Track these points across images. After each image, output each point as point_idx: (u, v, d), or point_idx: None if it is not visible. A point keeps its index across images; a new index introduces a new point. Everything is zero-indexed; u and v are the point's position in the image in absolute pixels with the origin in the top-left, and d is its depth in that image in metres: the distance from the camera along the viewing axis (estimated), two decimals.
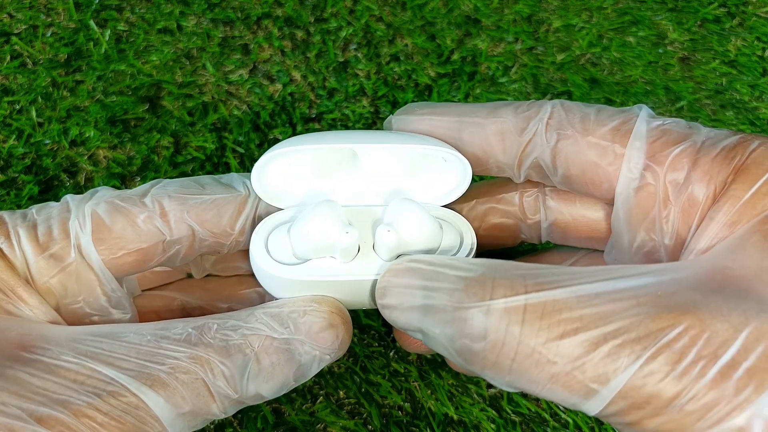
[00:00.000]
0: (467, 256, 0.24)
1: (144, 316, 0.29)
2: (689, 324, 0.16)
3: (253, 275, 0.26)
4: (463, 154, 0.25)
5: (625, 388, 0.16)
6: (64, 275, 0.23)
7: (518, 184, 0.28)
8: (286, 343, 0.22)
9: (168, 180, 0.26)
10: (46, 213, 0.24)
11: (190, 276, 0.33)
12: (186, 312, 0.31)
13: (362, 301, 0.25)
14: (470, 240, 0.25)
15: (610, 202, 0.23)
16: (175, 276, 0.33)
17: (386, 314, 0.23)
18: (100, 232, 0.23)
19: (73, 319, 0.23)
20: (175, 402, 0.19)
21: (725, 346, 0.16)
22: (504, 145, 0.24)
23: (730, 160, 0.20)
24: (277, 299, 0.24)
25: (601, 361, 0.17)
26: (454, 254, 0.24)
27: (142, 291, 0.31)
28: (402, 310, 0.21)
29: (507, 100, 0.55)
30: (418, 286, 0.21)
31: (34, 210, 0.25)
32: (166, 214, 0.24)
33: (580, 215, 0.26)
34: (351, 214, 0.25)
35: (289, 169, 0.26)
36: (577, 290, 0.17)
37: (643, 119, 0.22)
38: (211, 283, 0.32)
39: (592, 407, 0.17)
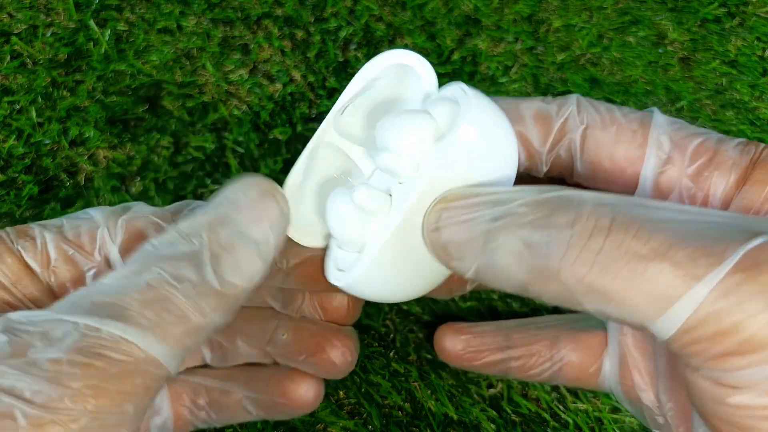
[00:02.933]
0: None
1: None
2: None
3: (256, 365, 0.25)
4: None
5: (724, 283, 0.15)
6: (87, 282, 0.23)
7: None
8: (234, 225, 0.20)
9: (200, 203, 0.26)
10: (75, 222, 0.24)
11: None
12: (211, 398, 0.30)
13: (407, 254, 0.23)
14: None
15: (628, 191, 0.23)
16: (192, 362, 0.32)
17: (438, 236, 0.21)
18: (131, 245, 0.23)
19: None
20: (155, 332, 0.18)
21: None
22: (540, 127, 0.24)
23: (748, 153, 0.21)
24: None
25: (696, 253, 0.15)
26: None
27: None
28: (463, 223, 0.19)
29: None
30: (486, 202, 0.19)
31: (64, 219, 0.24)
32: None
33: None
34: (370, 198, 0.24)
35: (301, 202, 0.25)
36: (657, 212, 0.17)
37: (659, 113, 0.23)
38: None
39: (680, 313, 0.15)
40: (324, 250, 0.25)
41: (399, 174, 0.22)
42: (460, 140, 0.21)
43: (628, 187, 0.23)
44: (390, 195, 0.23)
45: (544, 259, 0.17)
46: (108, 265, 0.23)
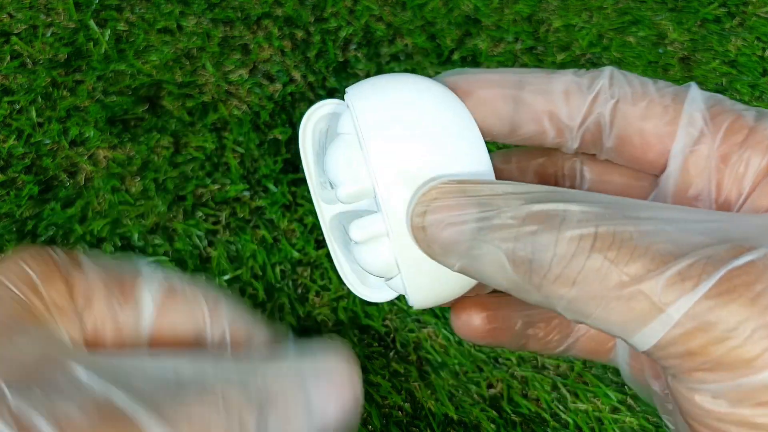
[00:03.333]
0: None
1: None
2: (764, 253, 0.15)
3: None
4: (522, 117, 0.24)
5: (694, 308, 0.16)
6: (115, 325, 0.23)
7: (554, 154, 0.27)
8: (306, 391, 0.21)
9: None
10: (119, 264, 0.23)
11: None
12: None
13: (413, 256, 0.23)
14: None
15: (656, 170, 0.23)
16: None
17: (424, 234, 0.21)
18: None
19: None
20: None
21: None
22: (570, 103, 0.24)
23: None
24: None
25: (672, 279, 0.16)
26: None
27: None
28: (449, 225, 0.20)
29: None
30: (472, 203, 0.20)
31: (107, 257, 0.24)
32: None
33: (620, 183, 0.26)
34: (362, 228, 0.24)
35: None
36: (649, 215, 0.17)
37: (696, 88, 0.22)
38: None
39: (653, 333, 0.16)
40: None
41: (363, 193, 0.22)
42: (367, 136, 0.22)
43: (656, 165, 0.23)
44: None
45: (526, 274, 0.18)
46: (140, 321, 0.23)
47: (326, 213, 0.26)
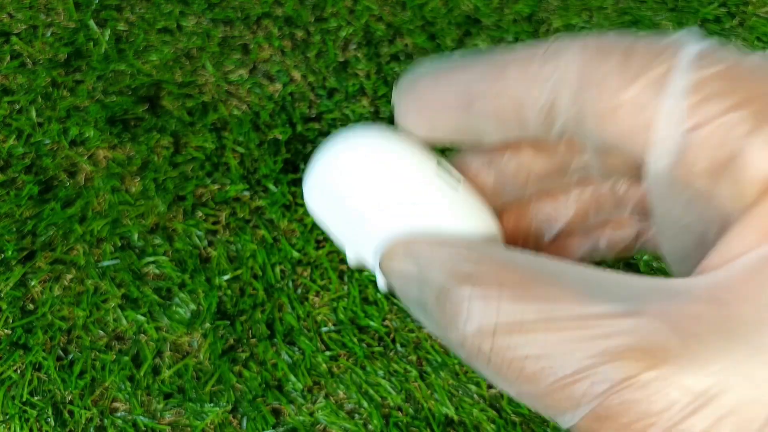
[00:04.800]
0: None
1: None
2: (655, 375, 0.15)
3: None
4: (477, 120, 0.22)
5: (578, 427, 0.16)
6: None
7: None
8: None
9: None
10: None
11: None
12: None
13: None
14: None
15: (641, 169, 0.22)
16: None
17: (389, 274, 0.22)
18: None
19: None
20: None
21: (684, 409, 0.15)
22: (521, 118, 0.21)
23: None
24: None
25: (556, 394, 0.16)
26: None
27: None
28: (406, 291, 0.21)
29: None
30: (414, 278, 0.20)
31: None
32: None
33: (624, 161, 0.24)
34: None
35: None
36: (552, 312, 0.17)
37: (684, 70, 0.18)
38: None
39: (562, 423, 0.17)
40: None
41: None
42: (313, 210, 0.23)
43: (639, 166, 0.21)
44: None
45: (456, 351, 0.20)
46: None
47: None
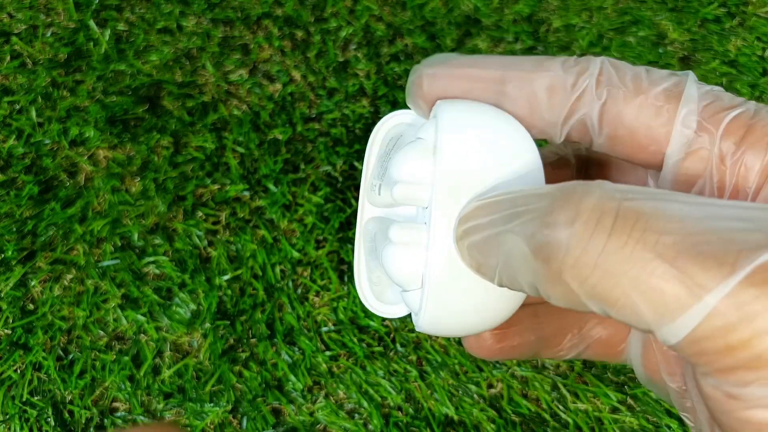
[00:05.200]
0: None
1: None
2: None
3: None
4: (505, 110, 0.23)
5: (735, 297, 0.14)
6: None
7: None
8: None
9: None
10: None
11: None
12: None
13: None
14: None
15: (652, 167, 0.22)
16: None
17: (465, 245, 0.21)
18: None
19: None
20: None
21: None
22: (552, 100, 0.22)
23: None
24: None
25: (707, 264, 0.15)
26: None
27: None
28: (482, 230, 0.20)
29: None
30: (501, 205, 0.19)
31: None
32: None
33: (617, 180, 0.25)
34: (403, 230, 0.25)
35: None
36: (668, 205, 0.16)
37: (692, 83, 0.21)
38: None
39: (685, 324, 0.15)
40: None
41: (418, 199, 0.23)
42: (444, 149, 0.22)
43: (651, 163, 0.22)
44: (425, 223, 0.23)
45: (546, 261, 0.17)
46: None
47: (366, 214, 0.26)
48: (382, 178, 0.25)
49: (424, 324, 0.22)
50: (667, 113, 0.21)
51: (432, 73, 0.24)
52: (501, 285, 0.20)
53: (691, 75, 0.21)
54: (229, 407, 0.45)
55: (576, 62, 0.22)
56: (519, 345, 0.26)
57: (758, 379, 0.14)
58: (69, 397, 0.46)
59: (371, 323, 0.45)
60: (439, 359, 0.44)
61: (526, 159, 0.22)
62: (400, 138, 0.25)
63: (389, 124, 0.26)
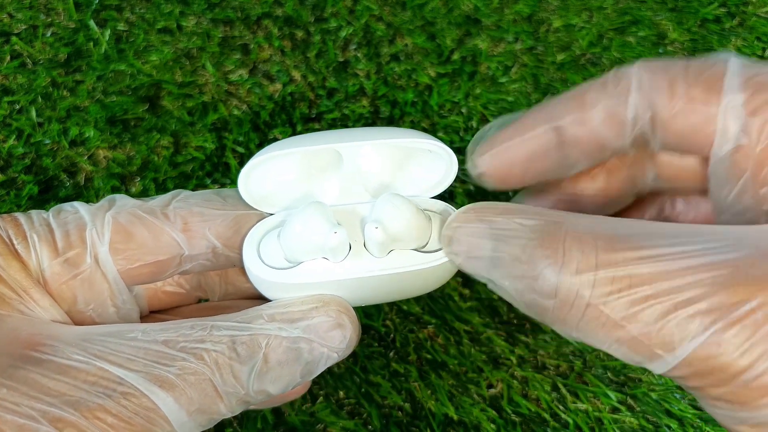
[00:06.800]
0: None
1: None
2: (764, 299, 0.15)
3: (263, 297, 0.26)
4: (573, 155, 0.23)
5: (690, 357, 0.16)
6: (77, 282, 0.23)
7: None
8: (293, 342, 0.22)
9: (189, 192, 0.26)
10: (63, 218, 0.24)
11: (201, 301, 0.33)
12: None
13: (359, 298, 0.25)
14: None
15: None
16: (187, 300, 0.32)
17: (452, 259, 0.23)
18: (118, 242, 0.23)
19: (81, 325, 0.23)
20: (184, 402, 0.20)
21: None
22: (615, 129, 0.23)
23: None
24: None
25: (669, 329, 0.16)
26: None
27: (151, 312, 0.31)
28: (469, 258, 0.21)
29: (511, 97, 0.55)
30: (487, 236, 0.20)
31: (51, 213, 0.25)
32: (188, 229, 0.24)
33: (686, 167, 0.25)
34: (339, 213, 0.25)
35: (274, 173, 0.26)
36: (650, 255, 0.17)
37: (734, 73, 0.20)
38: (224, 308, 0.32)
39: (656, 368, 0.17)
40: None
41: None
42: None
43: (707, 150, 0.22)
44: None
45: (535, 314, 0.19)
46: (98, 264, 0.23)
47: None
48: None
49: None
50: (708, 114, 0.21)
51: (484, 154, 0.24)
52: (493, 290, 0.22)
53: (733, 60, 0.20)
54: None
55: (615, 81, 0.22)
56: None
57: (732, 409, 0.16)
58: None
59: (371, 323, 0.45)
60: (439, 359, 0.44)
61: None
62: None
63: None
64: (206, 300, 0.32)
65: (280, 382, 0.22)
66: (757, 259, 0.16)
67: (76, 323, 0.24)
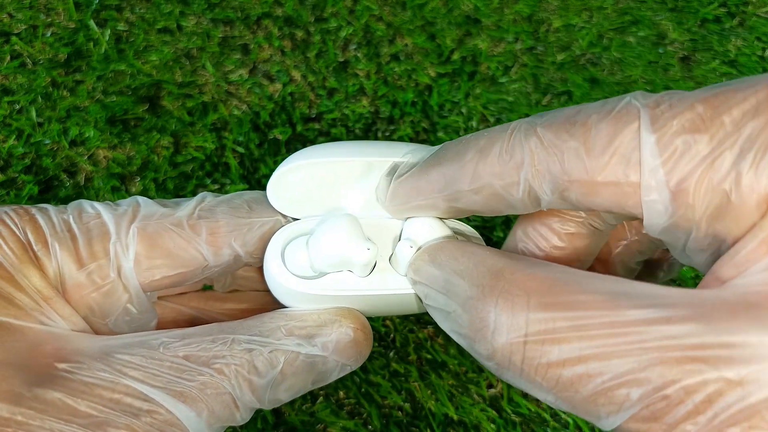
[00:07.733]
0: None
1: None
2: (699, 380, 0.15)
3: (268, 290, 0.26)
4: (470, 211, 0.24)
5: (620, 428, 0.16)
6: (98, 294, 0.23)
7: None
8: (310, 357, 0.22)
9: (213, 199, 0.26)
10: (85, 222, 0.23)
11: (205, 287, 0.33)
12: (197, 324, 0.31)
13: (377, 311, 0.25)
14: None
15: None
16: (192, 287, 0.32)
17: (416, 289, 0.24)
18: (142, 256, 0.23)
19: (98, 333, 0.23)
20: (205, 416, 0.20)
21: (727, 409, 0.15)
22: (507, 203, 0.22)
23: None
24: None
25: (598, 399, 0.16)
26: None
27: (158, 298, 0.31)
28: (430, 299, 0.22)
29: (511, 97, 0.55)
30: (440, 279, 0.21)
31: (71, 215, 0.24)
32: (214, 242, 0.24)
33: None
34: (367, 227, 0.25)
35: (305, 180, 0.26)
36: (583, 319, 0.16)
37: (646, 141, 0.18)
38: (228, 298, 0.32)
39: (604, 426, 0.17)
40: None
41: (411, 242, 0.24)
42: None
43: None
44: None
45: (478, 356, 0.20)
46: (120, 277, 0.23)
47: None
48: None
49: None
50: (626, 188, 0.18)
51: (392, 207, 0.25)
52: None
53: (644, 117, 0.18)
54: None
55: (508, 153, 0.20)
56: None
57: None
58: None
59: (371, 323, 0.45)
60: (439, 359, 0.44)
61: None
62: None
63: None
64: (210, 287, 0.32)
65: (292, 390, 0.23)
66: (697, 327, 0.16)
67: (93, 330, 0.24)
